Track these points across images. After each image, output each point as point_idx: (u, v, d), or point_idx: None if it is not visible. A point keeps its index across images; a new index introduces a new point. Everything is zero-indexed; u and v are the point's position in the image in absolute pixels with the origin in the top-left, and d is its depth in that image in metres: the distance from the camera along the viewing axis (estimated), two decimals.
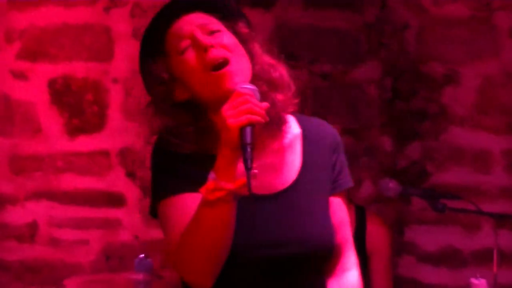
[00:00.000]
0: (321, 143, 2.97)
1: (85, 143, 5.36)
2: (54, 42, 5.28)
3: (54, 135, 5.35)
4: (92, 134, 5.38)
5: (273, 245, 2.81)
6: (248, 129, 2.60)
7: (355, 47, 5.65)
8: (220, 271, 2.76)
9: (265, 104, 2.67)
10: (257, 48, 2.90)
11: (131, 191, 5.41)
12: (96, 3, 5.36)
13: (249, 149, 2.59)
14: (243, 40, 2.88)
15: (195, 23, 2.84)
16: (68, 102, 5.35)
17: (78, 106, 5.37)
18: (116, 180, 5.41)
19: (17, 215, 5.33)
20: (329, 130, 3.02)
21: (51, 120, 5.35)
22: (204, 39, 2.80)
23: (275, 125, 2.87)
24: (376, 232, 4.99)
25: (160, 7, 2.92)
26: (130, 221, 5.39)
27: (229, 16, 2.91)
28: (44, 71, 5.25)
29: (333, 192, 2.95)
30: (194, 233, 2.70)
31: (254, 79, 2.85)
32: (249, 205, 2.74)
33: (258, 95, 2.70)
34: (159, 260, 4.93)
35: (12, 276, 5.33)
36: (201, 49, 2.79)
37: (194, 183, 2.71)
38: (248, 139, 2.59)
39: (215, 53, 2.78)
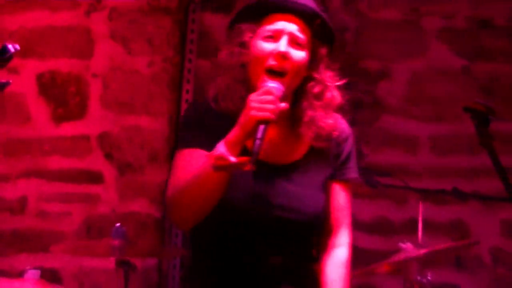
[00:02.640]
0: (329, 134, 3.02)
1: (68, 129, 5.38)
2: (41, 41, 5.28)
3: (41, 122, 5.36)
4: (74, 121, 5.39)
5: (272, 206, 2.90)
6: (262, 127, 2.71)
7: None
8: (222, 230, 2.90)
9: (284, 105, 2.77)
10: (326, 73, 2.97)
11: (109, 170, 5.43)
12: (78, 7, 5.34)
13: (258, 143, 2.69)
14: (314, 61, 2.94)
15: (292, 29, 2.89)
16: (54, 94, 5.36)
17: (63, 97, 5.37)
18: (96, 161, 5.41)
19: (10, 191, 5.32)
20: (340, 126, 3.08)
21: (39, 109, 5.36)
22: (286, 47, 2.86)
23: (303, 128, 2.97)
24: None
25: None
26: (108, 196, 5.42)
27: (321, 37, 2.96)
28: (33, 67, 5.27)
29: (334, 178, 3.04)
30: (192, 187, 2.81)
31: (313, 96, 2.94)
32: (258, 172, 2.82)
33: (281, 95, 2.77)
34: (133, 229, 4.98)
35: (5, 244, 5.30)
36: (277, 52, 2.85)
37: (211, 142, 2.80)
38: (260, 135, 2.70)
39: (281, 63, 2.85)
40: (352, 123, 5.47)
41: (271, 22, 2.90)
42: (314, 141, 2.99)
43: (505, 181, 3.02)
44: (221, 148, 2.73)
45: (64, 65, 5.37)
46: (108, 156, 5.44)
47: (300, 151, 3.01)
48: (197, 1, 5.40)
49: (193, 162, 2.87)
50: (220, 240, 2.93)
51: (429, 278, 4.28)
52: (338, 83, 3.02)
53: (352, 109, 5.42)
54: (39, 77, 5.34)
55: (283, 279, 2.95)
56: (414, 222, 4.51)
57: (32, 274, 4.01)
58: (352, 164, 3.09)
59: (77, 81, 5.40)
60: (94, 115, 5.41)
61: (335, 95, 3.00)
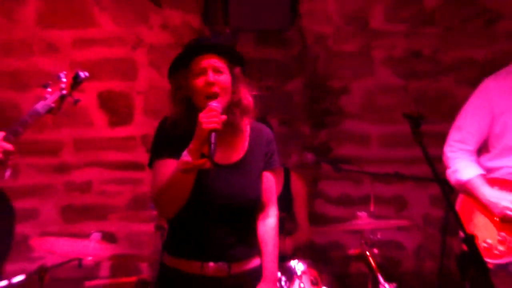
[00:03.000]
0: (260, 138, 3.07)
1: (120, 131, 5.40)
2: (100, 69, 5.29)
3: (101, 127, 5.39)
4: (124, 126, 5.41)
5: (224, 194, 2.92)
6: (213, 134, 2.73)
7: (287, 70, 5.58)
8: (191, 210, 2.86)
9: (224, 117, 2.79)
10: (241, 86, 3.00)
11: None
12: (126, 44, 5.34)
13: (212, 146, 2.71)
14: (234, 80, 2.97)
15: (211, 62, 2.90)
16: (110, 106, 5.39)
17: (116, 109, 5.39)
18: (140, 154, 5.36)
19: (79, 176, 5.37)
20: (266, 131, 3.11)
21: (99, 117, 5.38)
22: (212, 77, 2.88)
23: (235, 129, 2.98)
24: (297, 183, 4.93)
25: (202, 39, 3.01)
26: (148, 180, 5.18)
27: (236, 64, 2.98)
28: (95, 87, 5.28)
29: (265, 169, 3.06)
30: (168, 187, 2.81)
31: (232, 104, 2.95)
32: (214, 171, 2.85)
33: (220, 110, 2.80)
34: None
35: (77, 214, 5.36)
36: (207, 82, 2.88)
37: (177, 153, 2.80)
38: (213, 140, 2.73)
39: (213, 88, 2.88)
40: (322, 126, 5.56)
41: (197, 63, 2.90)
42: (250, 142, 3.02)
43: (431, 166, 3.03)
44: (185, 155, 2.73)
45: (116, 85, 5.38)
46: (149, 151, 5.35)
47: (240, 152, 3.01)
48: (210, 37, 5.24)
49: (166, 169, 2.84)
50: (188, 220, 2.92)
51: (378, 236, 4.24)
52: (252, 93, 3.02)
53: (323, 116, 5.56)
54: (99, 95, 5.37)
55: (234, 242, 2.96)
56: (367, 197, 4.53)
57: (95, 235, 4.05)
58: (276, 158, 3.10)
59: (126, 97, 5.41)
60: (138, 121, 5.41)
61: (249, 103, 2.99)
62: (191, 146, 2.75)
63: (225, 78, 2.93)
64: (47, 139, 5.27)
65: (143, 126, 5.40)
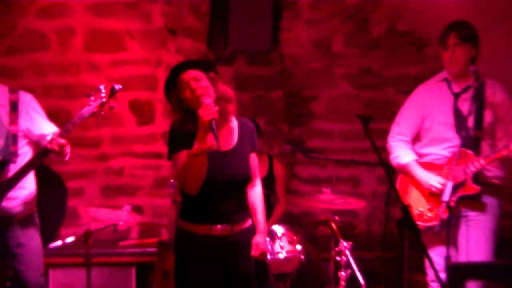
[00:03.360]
0: (245, 128, 3.08)
1: (145, 130, 5.35)
2: (130, 82, 5.24)
3: (130, 126, 5.34)
4: (148, 125, 5.34)
5: (226, 173, 2.94)
6: (213, 122, 2.77)
7: (271, 83, 5.50)
8: (201, 187, 2.85)
9: (217, 107, 2.82)
10: (219, 83, 2.99)
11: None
12: (150, 64, 5.27)
13: (215, 131, 2.76)
14: (212, 81, 2.97)
15: (190, 75, 2.91)
16: (137, 111, 5.34)
17: (142, 112, 5.34)
18: (160, 147, 5.29)
19: (115, 163, 5.33)
20: (249, 123, 3.12)
21: (129, 119, 5.34)
22: (194, 85, 2.89)
23: (224, 118, 2.99)
24: (278, 168, 4.92)
25: (177, 65, 2.99)
26: (167, 166, 5.29)
27: (207, 70, 2.98)
28: (126, 96, 5.26)
29: (251, 151, 3.07)
30: (187, 170, 2.82)
31: (218, 98, 2.95)
32: (216, 155, 2.86)
33: (213, 104, 2.83)
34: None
35: (112, 192, 5.30)
36: (192, 89, 2.89)
37: (187, 147, 2.84)
38: (214, 126, 2.77)
39: (198, 92, 2.89)
40: (297, 125, 5.51)
41: (181, 80, 2.91)
42: (239, 132, 3.01)
43: (378, 154, 3.04)
44: (196, 144, 2.76)
45: (142, 95, 5.34)
46: (167, 143, 5.32)
47: (233, 141, 3.02)
48: (213, 58, 5.30)
49: (182, 158, 2.85)
50: (200, 194, 2.91)
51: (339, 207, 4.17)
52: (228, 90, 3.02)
53: (298, 117, 5.54)
54: (130, 102, 5.33)
55: (235, 209, 2.97)
56: (331, 177, 4.54)
57: (126, 208, 4.02)
58: (257, 142, 3.11)
59: (149, 103, 5.35)
60: (159, 122, 5.34)
61: (229, 92, 2.99)
62: (198, 136, 2.76)
63: (204, 82, 2.93)
64: (91, 135, 5.26)
65: (162, 125, 5.34)
